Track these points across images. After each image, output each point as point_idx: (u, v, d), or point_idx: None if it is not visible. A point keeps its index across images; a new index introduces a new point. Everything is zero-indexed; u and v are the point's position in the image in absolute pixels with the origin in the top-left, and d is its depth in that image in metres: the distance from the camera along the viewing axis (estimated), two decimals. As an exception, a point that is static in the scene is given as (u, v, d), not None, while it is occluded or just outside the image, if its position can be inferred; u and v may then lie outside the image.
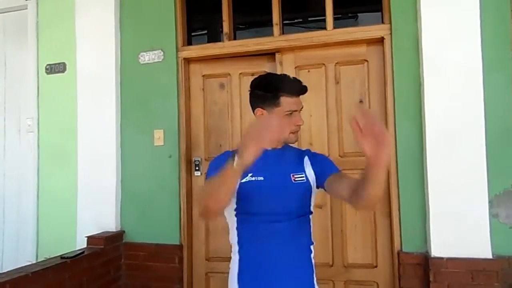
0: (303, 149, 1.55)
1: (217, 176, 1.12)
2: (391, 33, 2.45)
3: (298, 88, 1.37)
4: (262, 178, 1.33)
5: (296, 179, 1.37)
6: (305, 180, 1.38)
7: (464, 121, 2.25)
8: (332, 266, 2.59)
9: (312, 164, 1.42)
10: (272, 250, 1.31)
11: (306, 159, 1.43)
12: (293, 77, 1.43)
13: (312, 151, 1.51)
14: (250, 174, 1.33)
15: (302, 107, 1.39)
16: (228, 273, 1.42)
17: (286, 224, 1.32)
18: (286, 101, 1.34)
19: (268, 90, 1.36)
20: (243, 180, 1.33)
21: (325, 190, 1.39)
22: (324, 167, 1.40)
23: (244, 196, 1.33)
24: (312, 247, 1.41)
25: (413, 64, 2.39)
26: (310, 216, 1.42)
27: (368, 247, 2.55)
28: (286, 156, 1.42)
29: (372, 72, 2.58)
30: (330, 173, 1.36)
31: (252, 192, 1.32)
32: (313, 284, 1.39)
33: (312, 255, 1.41)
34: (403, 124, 2.41)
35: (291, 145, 1.48)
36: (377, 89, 2.57)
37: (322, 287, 2.53)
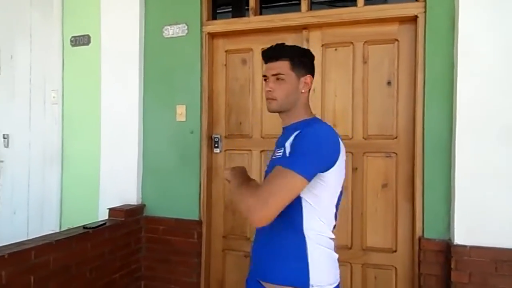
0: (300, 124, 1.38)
1: None
2: (425, 11, 2.33)
3: (265, 54, 1.42)
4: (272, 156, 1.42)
5: (276, 154, 1.35)
6: (281, 156, 1.30)
7: (497, 106, 2.15)
8: (350, 248, 2.57)
9: (289, 145, 1.29)
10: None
11: (292, 136, 1.30)
12: (276, 45, 1.42)
13: (306, 130, 1.28)
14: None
15: (277, 74, 1.37)
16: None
17: None
18: (264, 67, 1.43)
19: None
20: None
21: None
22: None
23: None
24: (308, 233, 1.28)
25: (447, 45, 2.28)
26: (302, 200, 1.28)
27: (388, 232, 2.52)
28: (285, 133, 1.40)
29: (403, 52, 2.48)
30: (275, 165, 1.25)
31: None
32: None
33: (308, 243, 1.28)
34: (432, 106, 2.32)
35: (301, 120, 1.39)
36: (406, 70, 2.47)
37: (340, 269, 2.56)
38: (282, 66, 1.36)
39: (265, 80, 1.41)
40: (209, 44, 2.85)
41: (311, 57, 1.45)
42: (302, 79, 1.38)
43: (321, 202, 1.29)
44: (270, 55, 1.39)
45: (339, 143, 1.30)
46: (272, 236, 1.32)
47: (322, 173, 1.25)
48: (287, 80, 1.36)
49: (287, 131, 1.39)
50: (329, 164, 1.25)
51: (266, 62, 1.41)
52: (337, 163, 1.27)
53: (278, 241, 1.31)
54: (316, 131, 1.27)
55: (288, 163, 1.19)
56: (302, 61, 1.39)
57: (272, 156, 1.41)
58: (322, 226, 1.30)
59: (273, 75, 1.37)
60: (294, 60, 1.37)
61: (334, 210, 1.35)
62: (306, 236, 1.28)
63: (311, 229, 1.29)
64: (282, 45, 1.42)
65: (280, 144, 1.36)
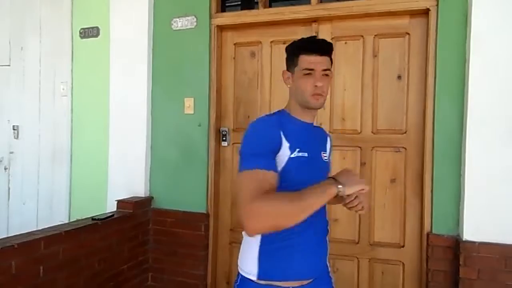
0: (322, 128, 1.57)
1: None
2: (437, 5, 2.29)
3: (317, 46, 1.29)
4: (306, 154, 1.29)
5: (324, 157, 1.41)
6: (327, 159, 1.44)
7: (510, 103, 2.11)
8: (357, 243, 2.57)
9: (329, 150, 1.51)
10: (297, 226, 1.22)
11: (328, 140, 1.51)
12: (320, 39, 1.35)
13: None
14: (297, 149, 1.27)
15: (326, 69, 1.28)
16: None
17: None
18: (304, 59, 1.28)
19: (290, 50, 1.34)
20: (292, 155, 1.26)
21: None
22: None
23: (289, 172, 1.24)
24: (328, 227, 1.43)
25: (459, 39, 2.25)
26: None
27: (396, 227, 2.50)
28: (316, 133, 1.44)
29: (414, 46, 2.45)
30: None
31: (297, 168, 1.26)
32: (326, 262, 1.41)
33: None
34: (443, 102, 2.29)
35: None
36: (417, 65, 2.44)
37: (347, 264, 2.57)
38: (328, 62, 1.30)
39: (307, 74, 1.28)
40: (218, 37, 2.83)
41: None
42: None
43: None
44: (323, 48, 1.30)
45: None
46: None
47: None
48: (330, 76, 1.32)
49: (315, 130, 1.44)
50: None
51: (317, 54, 1.28)
52: None
53: None
54: None
55: None
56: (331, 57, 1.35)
57: (317, 157, 1.39)
58: None
59: (323, 70, 1.28)
60: (331, 56, 1.33)
61: None
62: None
63: None
64: (323, 39, 1.36)
65: (321, 146, 1.44)
